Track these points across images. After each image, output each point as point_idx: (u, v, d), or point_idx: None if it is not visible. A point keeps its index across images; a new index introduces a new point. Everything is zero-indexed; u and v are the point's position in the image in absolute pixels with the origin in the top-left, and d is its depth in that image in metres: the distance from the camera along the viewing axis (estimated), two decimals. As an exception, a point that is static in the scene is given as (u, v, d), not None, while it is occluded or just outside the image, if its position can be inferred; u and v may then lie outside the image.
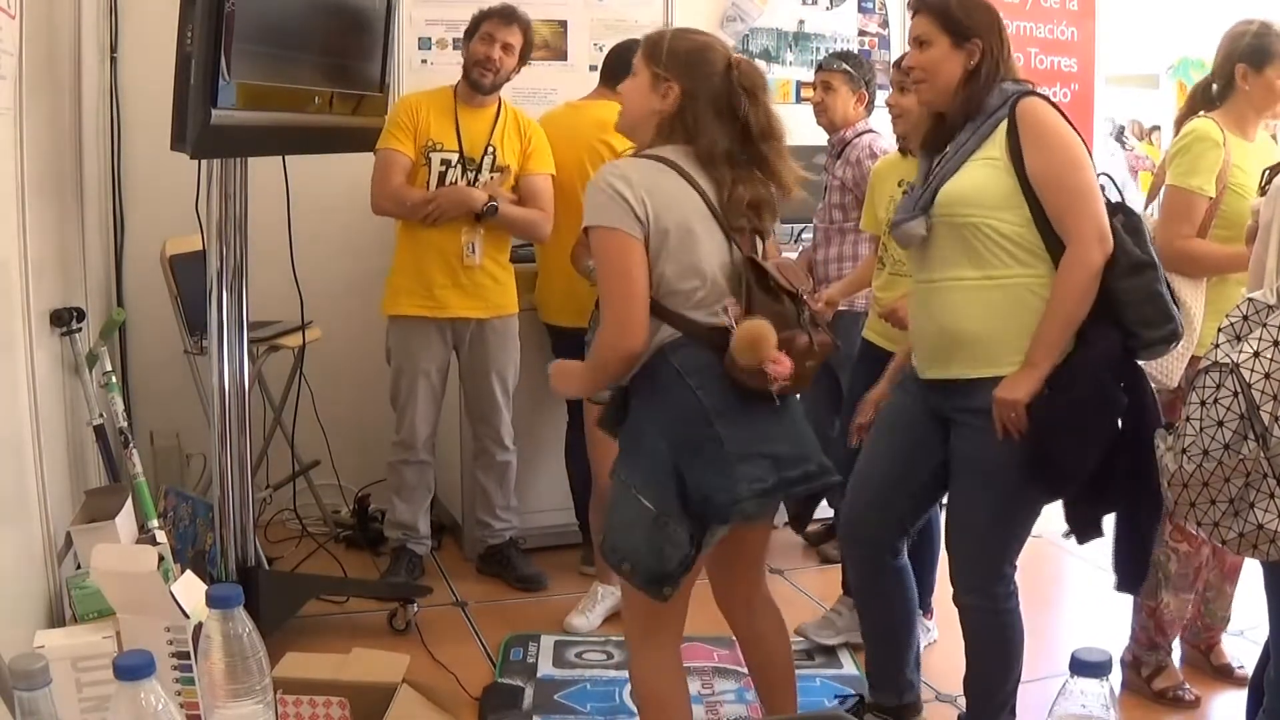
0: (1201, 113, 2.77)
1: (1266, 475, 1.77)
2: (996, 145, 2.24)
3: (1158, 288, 2.19)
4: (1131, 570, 2.36)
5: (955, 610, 2.55)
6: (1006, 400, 2.21)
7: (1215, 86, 2.77)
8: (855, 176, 3.46)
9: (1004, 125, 2.24)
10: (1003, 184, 2.23)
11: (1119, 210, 2.25)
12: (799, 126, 4.30)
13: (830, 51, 4.28)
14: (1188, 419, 1.89)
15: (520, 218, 3.54)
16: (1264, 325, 1.80)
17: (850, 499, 2.57)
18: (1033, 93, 2.27)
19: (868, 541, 2.55)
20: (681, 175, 2.04)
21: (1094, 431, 2.21)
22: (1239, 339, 1.85)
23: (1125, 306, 2.19)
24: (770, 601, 2.34)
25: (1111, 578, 2.40)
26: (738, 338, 1.96)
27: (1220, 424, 1.81)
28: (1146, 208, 2.91)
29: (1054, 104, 2.27)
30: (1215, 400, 1.81)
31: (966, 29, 2.27)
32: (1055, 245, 2.22)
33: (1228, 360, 1.82)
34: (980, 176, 2.25)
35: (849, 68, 3.53)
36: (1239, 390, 1.78)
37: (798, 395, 2.16)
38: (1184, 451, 1.88)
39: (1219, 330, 1.90)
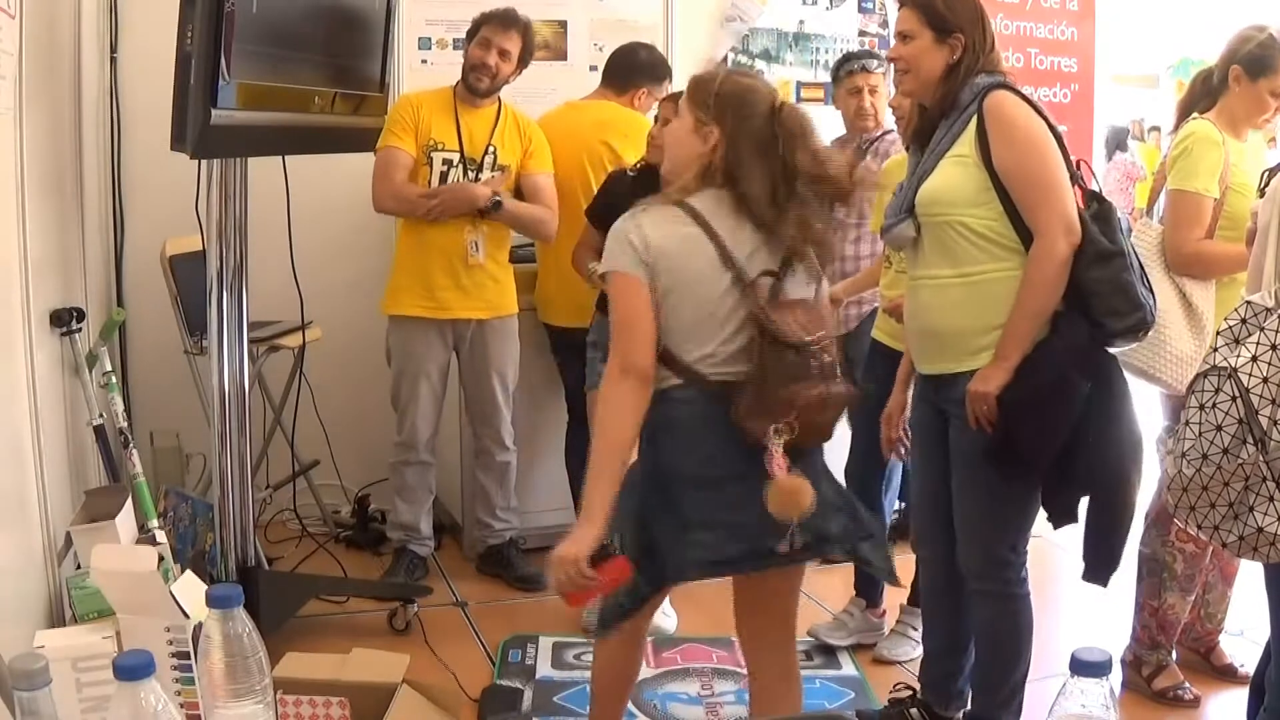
0: (1195, 114, 2.78)
1: (1266, 479, 1.77)
2: (967, 142, 2.27)
3: (1125, 276, 2.21)
4: (1098, 562, 2.38)
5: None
6: (977, 393, 2.25)
7: (1215, 78, 2.78)
8: None
9: (974, 121, 2.27)
10: (973, 180, 2.26)
11: (1092, 199, 2.26)
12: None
13: (844, 53, 4.26)
14: (1186, 423, 1.89)
15: (526, 214, 3.54)
16: (1262, 329, 1.80)
17: (914, 514, 2.67)
18: (1002, 85, 2.28)
19: (934, 554, 2.58)
20: (701, 225, 2.01)
21: (1052, 417, 2.24)
22: (1237, 342, 1.84)
23: (1092, 296, 2.21)
24: (789, 666, 2.25)
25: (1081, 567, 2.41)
26: (773, 492, 1.92)
27: (1219, 428, 1.81)
28: (1149, 212, 2.91)
29: (1024, 96, 2.29)
30: (1214, 404, 1.81)
31: (949, 24, 2.29)
32: (1029, 239, 2.25)
33: (1226, 364, 1.82)
34: (951, 175, 2.28)
35: (884, 68, 3.52)
36: (1237, 395, 1.78)
37: (820, 462, 2.10)
38: (1183, 455, 1.87)
39: (1217, 334, 1.90)
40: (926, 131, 2.38)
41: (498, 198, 3.46)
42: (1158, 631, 2.92)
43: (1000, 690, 2.48)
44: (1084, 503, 2.36)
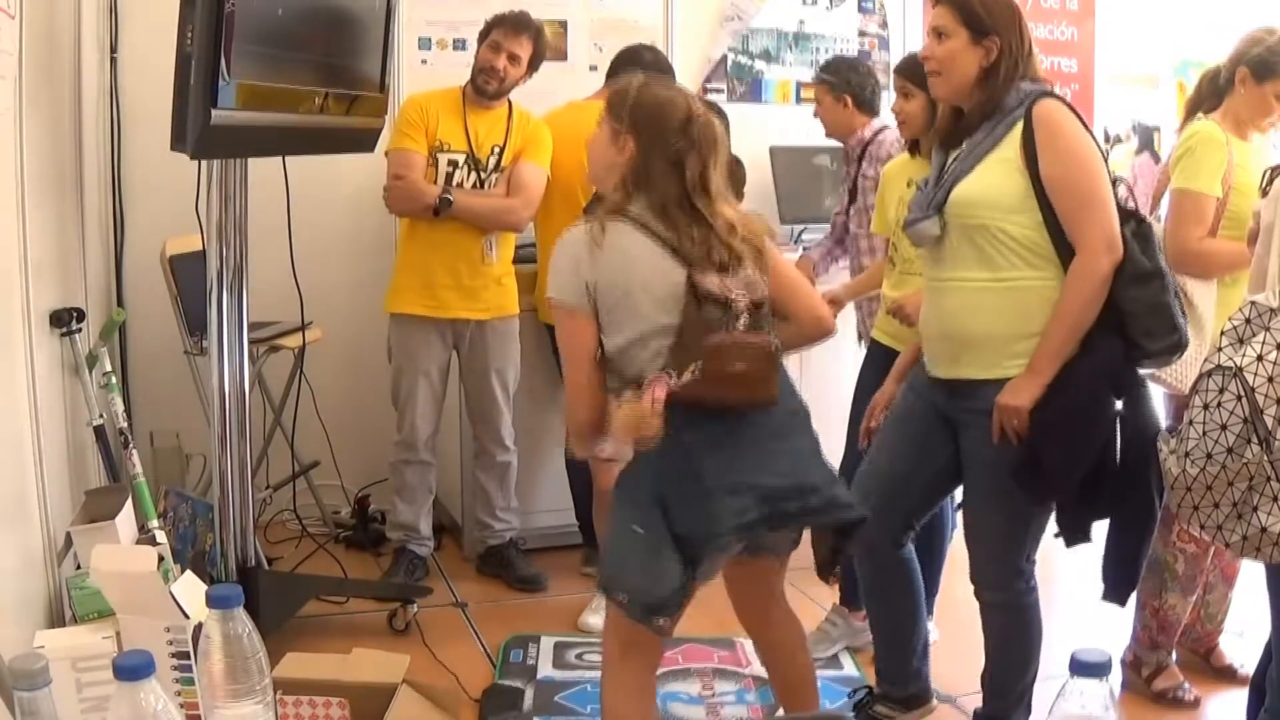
0: (1200, 115, 2.78)
1: (1270, 478, 1.77)
2: (1011, 146, 2.23)
3: (1163, 298, 2.18)
4: (1120, 581, 2.37)
5: (956, 610, 2.56)
6: (1008, 406, 2.22)
7: (1222, 79, 2.78)
8: None
9: (1020, 126, 2.23)
10: (1015, 186, 2.22)
11: (1131, 217, 2.24)
12: (800, 127, 4.32)
13: (831, 55, 4.28)
14: (1190, 422, 1.88)
15: (485, 208, 3.50)
16: (1267, 329, 1.80)
17: (855, 495, 2.57)
18: (1051, 94, 2.26)
19: (877, 543, 2.56)
20: (635, 225, 2.09)
21: (1081, 439, 2.21)
22: (1241, 342, 1.84)
23: (1128, 316, 2.19)
24: (790, 614, 2.36)
25: (1100, 586, 2.41)
26: (616, 423, 2.04)
27: (1224, 427, 1.80)
28: (1153, 212, 2.91)
29: (1071, 107, 2.26)
30: (1219, 404, 1.81)
31: (986, 24, 2.24)
32: (1065, 249, 2.21)
33: (1231, 363, 1.82)
34: (993, 178, 2.24)
35: (826, 76, 3.51)
36: (1242, 394, 1.78)
37: (808, 429, 2.17)
38: (1187, 455, 1.87)
39: (1221, 333, 1.90)
40: (958, 134, 2.33)
41: (448, 195, 3.43)
42: (1158, 632, 2.92)
43: (1010, 694, 2.49)
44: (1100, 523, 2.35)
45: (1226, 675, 3.03)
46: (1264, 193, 2.24)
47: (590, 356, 2.13)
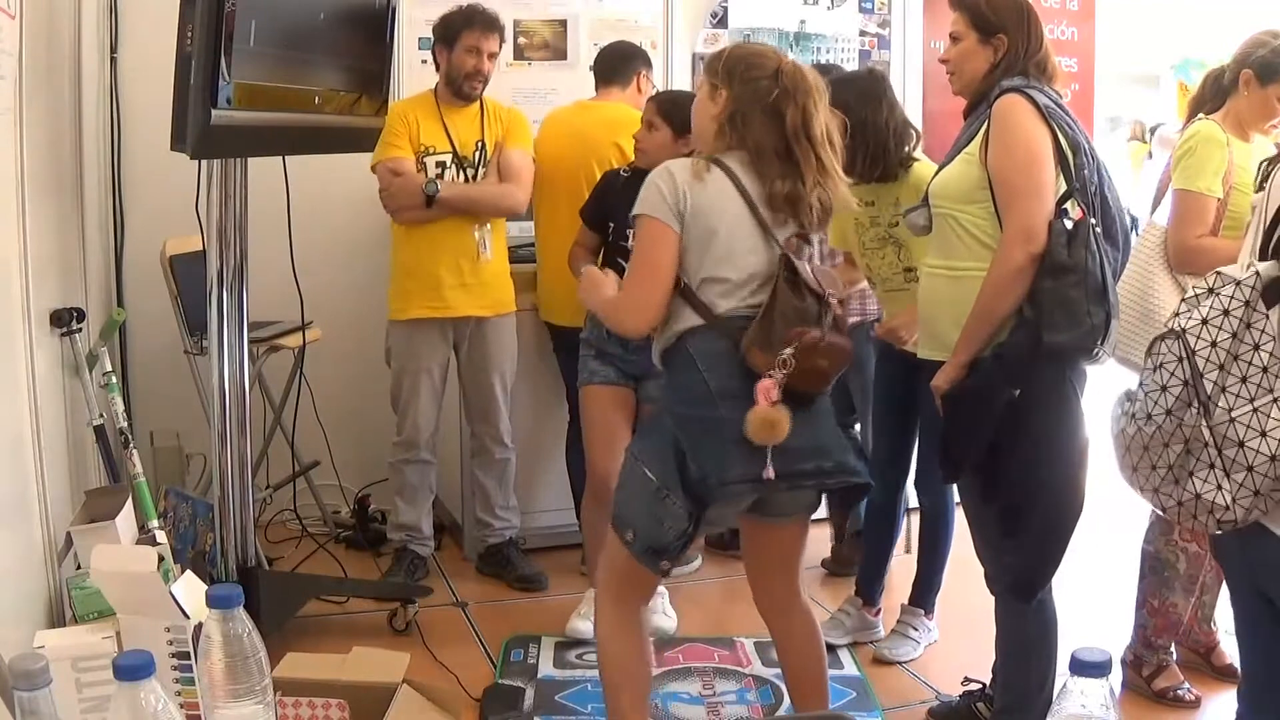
0: (1201, 115, 2.78)
1: (1208, 444, 1.73)
2: (977, 141, 2.34)
3: (1070, 292, 2.22)
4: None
5: (955, 611, 2.56)
6: (933, 387, 2.37)
7: (1225, 80, 2.78)
8: None
9: (987, 121, 2.32)
10: (971, 178, 2.33)
11: (1068, 216, 2.27)
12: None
13: (829, 58, 4.29)
14: (1141, 384, 1.86)
15: (478, 195, 3.51)
16: (1216, 294, 1.76)
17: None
18: (1019, 89, 2.30)
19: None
20: (728, 175, 2.16)
21: (969, 420, 2.31)
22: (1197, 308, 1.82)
23: (1037, 308, 2.25)
24: (806, 609, 2.40)
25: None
26: (752, 420, 2.05)
27: (1164, 389, 1.77)
28: (1154, 212, 2.90)
29: (1035, 102, 2.29)
30: (1161, 364, 1.79)
31: (993, 25, 2.36)
32: None
33: (1178, 326, 1.79)
34: (957, 171, 2.37)
35: None
36: (1184, 356, 1.75)
37: (826, 403, 2.21)
38: (1133, 415, 1.85)
39: (1181, 300, 1.88)
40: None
41: (433, 183, 3.44)
42: (1159, 631, 2.92)
43: (1012, 690, 2.47)
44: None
45: (1227, 674, 3.02)
46: (1260, 187, 2.23)
47: (668, 273, 2.16)
